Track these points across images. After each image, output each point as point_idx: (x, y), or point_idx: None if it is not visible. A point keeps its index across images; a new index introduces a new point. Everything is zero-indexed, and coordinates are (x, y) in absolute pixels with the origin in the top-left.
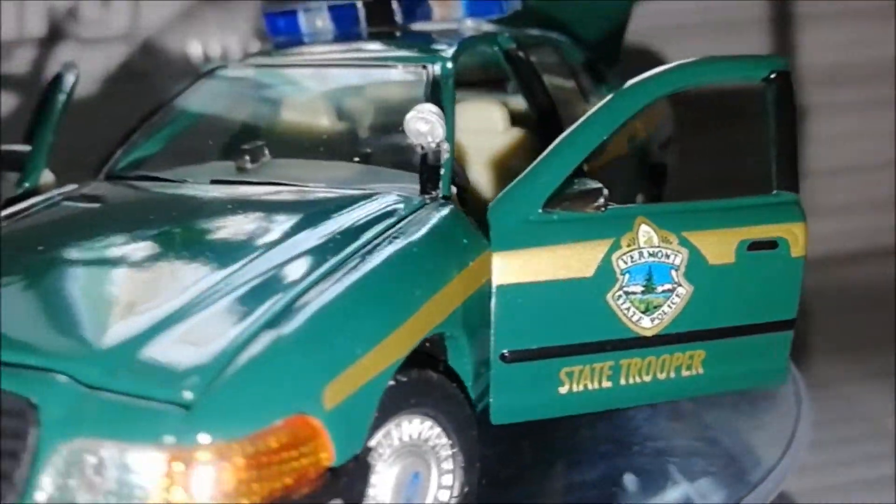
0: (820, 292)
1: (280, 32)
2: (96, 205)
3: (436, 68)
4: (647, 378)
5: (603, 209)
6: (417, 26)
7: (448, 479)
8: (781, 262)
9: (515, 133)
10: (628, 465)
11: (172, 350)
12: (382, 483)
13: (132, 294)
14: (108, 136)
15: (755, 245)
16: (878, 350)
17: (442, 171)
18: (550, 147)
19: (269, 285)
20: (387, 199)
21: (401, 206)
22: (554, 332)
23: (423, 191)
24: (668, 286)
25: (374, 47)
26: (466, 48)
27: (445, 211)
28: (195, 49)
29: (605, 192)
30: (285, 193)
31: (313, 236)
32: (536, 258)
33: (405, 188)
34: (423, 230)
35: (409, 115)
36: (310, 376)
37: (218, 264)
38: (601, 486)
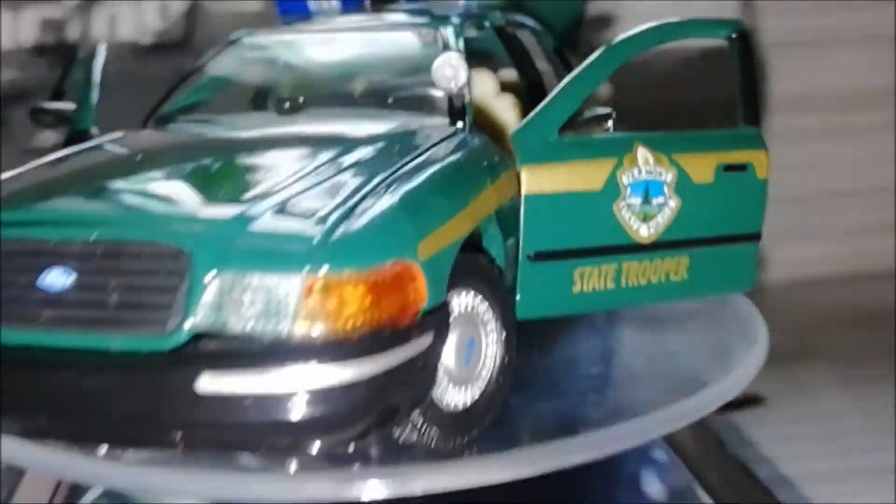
0: (823, 311)
1: (290, 12)
2: (167, 133)
3: (448, 31)
4: (643, 281)
5: (609, 130)
6: (417, 5)
7: (492, 350)
8: (750, 183)
9: (507, 97)
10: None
11: (301, 205)
12: (447, 344)
13: (254, 178)
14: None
15: (729, 167)
16: (881, 363)
17: (466, 109)
18: (560, 85)
19: (366, 169)
20: (426, 131)
21: (440, 133)
22: (571, 236)
23: (452, 124)
24: (661, 199)
25: (390, 18)
26: (469, 18)
27: (475, 137)
28: None
29: (614, 114)
30: (339, 128)
31: (380, 149)
32: (556, 172)
33: (436, 124)
34: (463, 148)
35: (436, 63)
36: (410, 232)
37: (313, 159)
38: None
